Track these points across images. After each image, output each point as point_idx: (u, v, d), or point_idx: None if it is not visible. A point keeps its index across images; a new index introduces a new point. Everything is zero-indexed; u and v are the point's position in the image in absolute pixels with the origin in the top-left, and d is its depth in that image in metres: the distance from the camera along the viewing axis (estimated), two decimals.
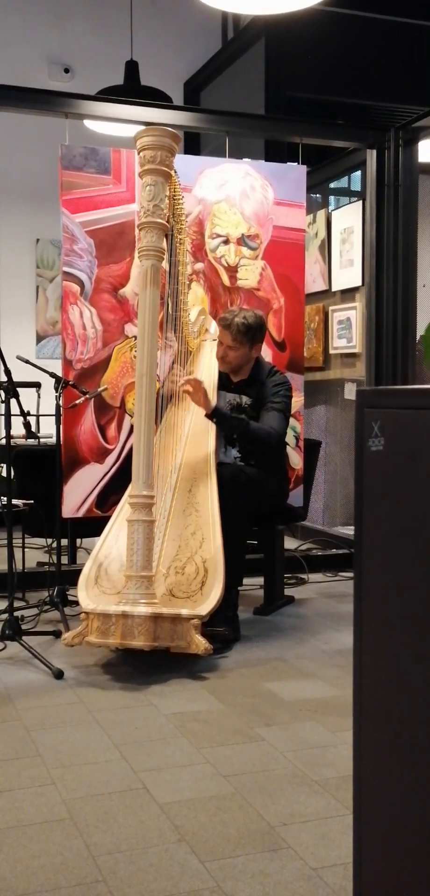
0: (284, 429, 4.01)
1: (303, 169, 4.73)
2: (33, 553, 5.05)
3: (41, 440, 4.92)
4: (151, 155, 3.51)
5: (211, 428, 3.89)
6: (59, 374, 4.17)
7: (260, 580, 4.43)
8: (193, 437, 3.90)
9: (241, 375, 4.11)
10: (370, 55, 6.78)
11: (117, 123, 5.00)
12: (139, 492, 3.41)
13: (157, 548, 3.50)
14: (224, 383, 4.12)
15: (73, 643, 3.32)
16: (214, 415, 3.80)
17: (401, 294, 5.18)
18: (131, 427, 4.32)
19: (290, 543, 5.33)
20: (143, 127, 3.66)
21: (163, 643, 3.24)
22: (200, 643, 3.22)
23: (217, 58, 7.37)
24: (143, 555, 3.34)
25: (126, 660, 3.46)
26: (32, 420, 4.48)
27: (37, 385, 5.61)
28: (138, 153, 3.57)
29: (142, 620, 3.19)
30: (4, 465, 4.69)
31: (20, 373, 3.92)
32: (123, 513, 3.68)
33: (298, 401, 4.58)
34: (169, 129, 3.60)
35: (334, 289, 5.74)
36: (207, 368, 4.09)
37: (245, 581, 3.99)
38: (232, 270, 4.55)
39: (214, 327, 4.28)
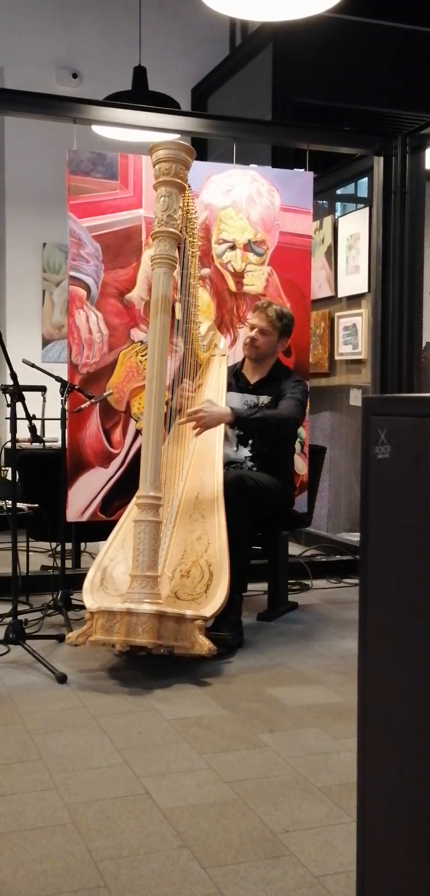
0: (300, 415, 4.05)
1: (310, 175, 4.73)
2: (37, 557, 5.06)
3: (46, 444, 4.92)
4: (166, 167, 3.58)
5: (218, 440, 3.89)
6: (65, 378, 4.18)
7: (264, 586, 4.43)
8: (201, 449, 3.91)
9: (260, 373, 4.13)
10: (377, 62, 6.78)
11: (125, 129, 5.00)
12: (147, 492, 3.42)
13: (162, 552, 3.50)
14: (242, 385, 4.14)
15: (77, 642, 3.32)
16: (236, 421, 3.83)
17: (407, 301, 5.18)
18: (137, 432, 4.33)
19: (294, 549, 5.32)
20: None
21: (167, 642, 3.24)
22: (203, 644, 3.22)
23: (225, 64, 7.38)
24: (148, 555, 3.35)
25: (129, 664, 3.46)
26: (38, 424, 4.49)
27: (42, 389, 5.61)
28: (154, 165, 3.62)
29: (146, 618, 3.19)
30: (9, 469, 4.69)
31: (26, 376, 3.94)
32: (129, 519, 3.68)
33: None
34: (184, 143, 3.63)
35: (340, 295, 5.73)
36: (216, 382, 4.10)
37: (249, 587, 3.99)
38: (238, 276, 4.55)
39: (223, 343, 4.29)
